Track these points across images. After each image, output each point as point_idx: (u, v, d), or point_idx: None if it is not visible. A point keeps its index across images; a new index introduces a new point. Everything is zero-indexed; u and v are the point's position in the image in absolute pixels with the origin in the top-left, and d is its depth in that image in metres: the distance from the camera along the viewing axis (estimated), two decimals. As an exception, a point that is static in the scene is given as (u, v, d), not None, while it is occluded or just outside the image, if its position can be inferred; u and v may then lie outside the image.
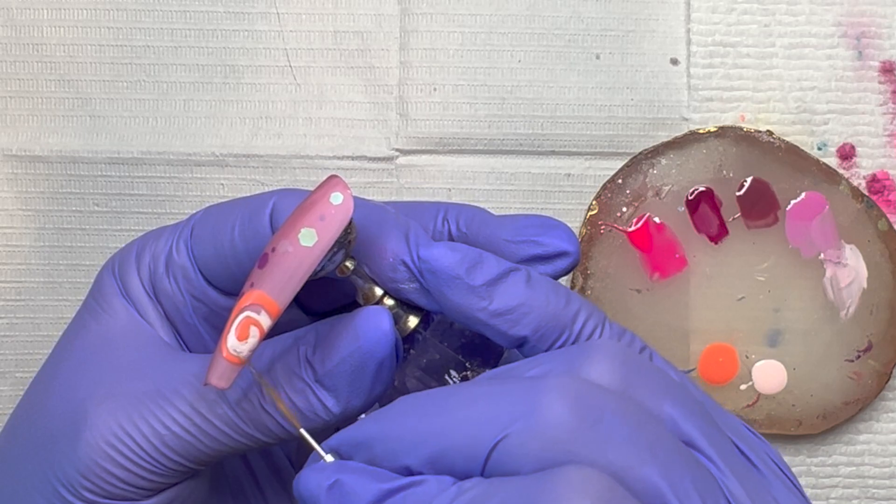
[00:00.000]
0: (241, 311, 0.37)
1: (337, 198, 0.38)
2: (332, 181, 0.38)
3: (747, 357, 0.57)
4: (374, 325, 0.39)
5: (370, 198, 0.56)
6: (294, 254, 0.37)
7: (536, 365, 0.37)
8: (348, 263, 0.40)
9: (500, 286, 0.39)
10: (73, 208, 0.57)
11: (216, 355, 0.37)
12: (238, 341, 0.37)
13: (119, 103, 0.57)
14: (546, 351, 0.39)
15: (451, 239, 0.43)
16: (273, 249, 0.38)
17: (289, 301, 0.38)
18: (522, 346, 0.40)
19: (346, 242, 0.39)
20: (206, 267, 0.42)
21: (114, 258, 0.44)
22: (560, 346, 0.39)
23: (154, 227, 0.51)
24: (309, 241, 0.37)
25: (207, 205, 0.56)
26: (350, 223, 0.38)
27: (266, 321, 0.37)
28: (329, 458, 0.36)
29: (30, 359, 0.57)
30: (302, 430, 0.38)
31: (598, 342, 0.38)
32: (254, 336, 0.37)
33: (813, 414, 0.57)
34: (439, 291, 0.39)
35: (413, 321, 0.41)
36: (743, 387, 0.57)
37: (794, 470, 0.58)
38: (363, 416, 0.41)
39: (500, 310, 0.39)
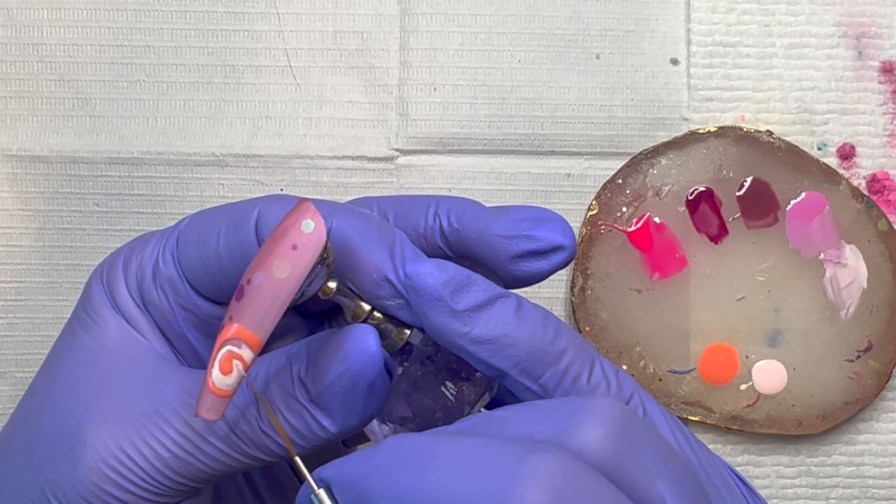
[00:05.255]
0: (222, 345, 0.37)
1: (308, 225, 0.36)
2: (301, 207, 0.37)
3: (747, 357, 0.57)
4: (360, 347, 0.38)
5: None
6: (268, 286, 0.36)
7: (526, 421, 0.35)
8: (331, 284, 0.38)
9: (485, 314, 0.38)
10: (73, 208, 0.57)
11: (203, 388, 0.37)
12: (222, 375, 0.37)
13: (119, 103, 0.57)
14: (530, 384, 0.38)
15: (442, 235, 0.42)
16: (248, 281, 0.37)
17: (269, 332, 0.37)
18: (503, 378, 0.38)
19: (324, 266, 0.37)
20: (193, 277, 0.41)
21: (102, 265, 0.43)
22: (543, 383, 0.38)
23: (154, 228, 0.50)
24: (283, 273, 0.36)
25: (207, 205, 0.56)
26: (325, 247, 0.37)
27: (248, 354, 0.37)
28: (322, 493, 0.35)
29: (30, 359, 0.57)
30: (297, 459, 0.37)
31: (593, 401, 0.35)
32: (237, 369, 0.37)
33: (813, 414, 0.57)
34: (421, 311, 0.38)
35: (405, 333, 0.40)
36: (743, 387, 0.57)
37: (793, 470, 0.58)
38: (364, 428, 0.41)
39: (480, 338, 0.38)
